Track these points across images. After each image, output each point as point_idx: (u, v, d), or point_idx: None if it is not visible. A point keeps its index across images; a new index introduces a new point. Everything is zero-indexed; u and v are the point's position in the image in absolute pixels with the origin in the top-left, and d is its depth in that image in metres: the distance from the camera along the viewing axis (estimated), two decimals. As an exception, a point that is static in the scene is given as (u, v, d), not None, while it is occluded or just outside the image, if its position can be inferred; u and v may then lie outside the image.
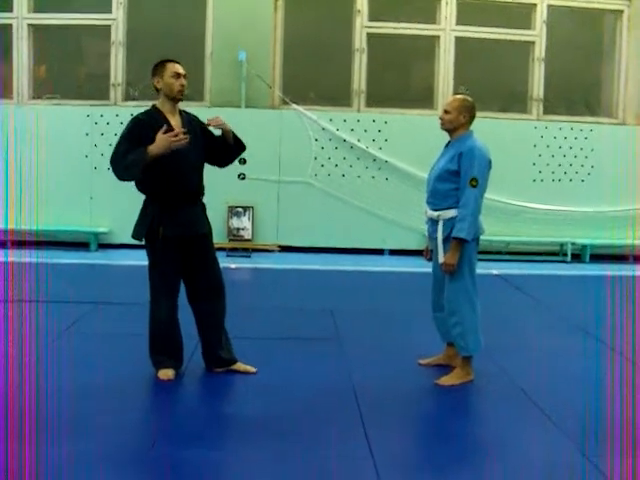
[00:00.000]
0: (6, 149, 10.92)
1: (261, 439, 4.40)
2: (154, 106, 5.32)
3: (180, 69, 5.21)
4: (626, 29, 11.91)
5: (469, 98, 5.58)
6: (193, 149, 5.23)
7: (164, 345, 5.42)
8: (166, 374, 5.34)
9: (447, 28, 11.63)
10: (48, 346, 6.03)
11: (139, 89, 11.54)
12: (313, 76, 12.06)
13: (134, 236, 5.38)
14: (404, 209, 11.13)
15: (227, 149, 5.51)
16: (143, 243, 5.37)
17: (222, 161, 5.63)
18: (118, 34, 11.35)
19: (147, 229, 5.28)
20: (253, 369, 5.59)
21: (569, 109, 12.14)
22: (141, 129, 5.15)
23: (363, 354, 6.16)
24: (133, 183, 5.31)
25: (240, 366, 5.59)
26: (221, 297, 5.52)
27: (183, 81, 5.20)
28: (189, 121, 5.36)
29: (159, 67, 5.22)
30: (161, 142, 4.99)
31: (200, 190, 5.42)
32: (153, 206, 5.27)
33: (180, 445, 4.25)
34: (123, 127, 5.28)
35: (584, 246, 11.58)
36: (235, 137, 5.51)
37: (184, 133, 5.05)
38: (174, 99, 5.23)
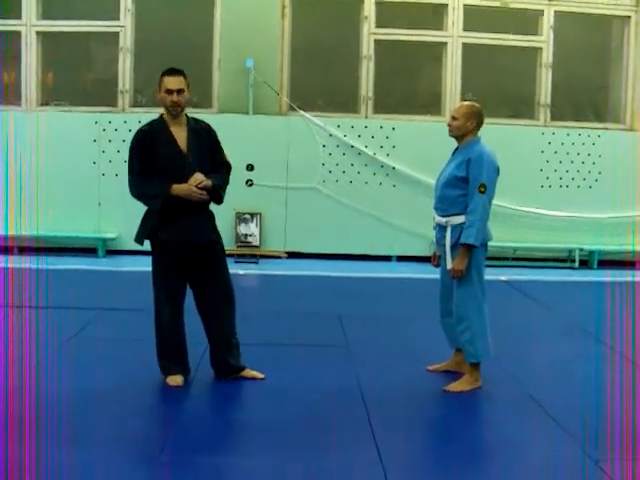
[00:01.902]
0: (14, 155, 10.94)
1: (270, 445, 4.40)
2: (161, 115, 5.35)
3: (173, 84, 5.14)
4: (633, 35, 11.89)
5: (476, 104, 5.60)
6: (196, 157, 5.23)
7: (167, 350, 5.44)
8: (175, 380, 5.35)
9: (454, 34, 11.62)
10: (55, 352, 6.05)
11: (147, 96, 11.56)
12: (321, 82, 12.06)
13: (135, 240, 5.40)
14: (412, 215, 11.10)
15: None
16: (149, 249, 5.38)
17: None
18: (126, 41, 11.37)
19: (147, 234, 5.30)
20: (261, 375, 5.61)
21: (576, 115, 12.12)
22: (145, 141, 5.21)
23: (371, 360, 6.17)
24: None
25: (248, 372, 5.60)
26: (230, 305, 5.50)
27: (175, 98, 5.13)
28: (195, 131, 5.33)
29: (159, 79, 5.21)
30: (186, 189, 5.11)
31: (200, 201, 5.32)
32: (156, 212, 5.28)
33: (189, 451, 4.26)
34: (131, 134, 5.31)
35: (592, 252, 11.55)
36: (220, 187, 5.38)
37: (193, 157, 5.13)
38: (170, 113, 5.24)
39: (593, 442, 4.52)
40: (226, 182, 5.45)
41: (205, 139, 5.37)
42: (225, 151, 5.53)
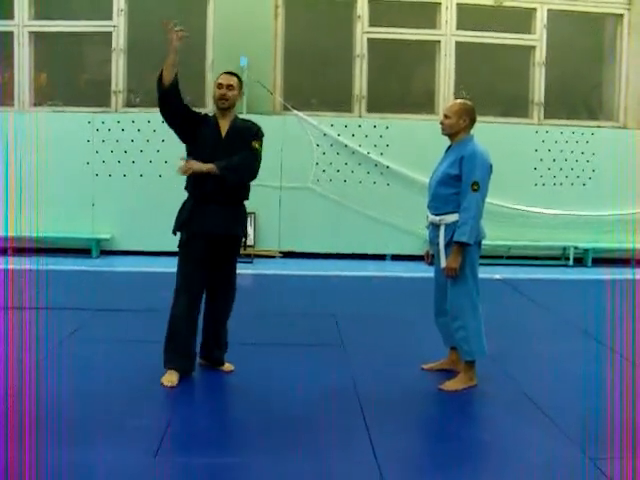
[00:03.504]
0: (7, 156, 10.92)
1: (265, 444, 4.40)
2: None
3: (224, 80, 5.49)
4: (626, 33, 11.91)
5: (469, 102, 5.60)
6: (231, 142, 5.44)
7: (173, 342, 5.48)
8: (169, 380, 5.35)
9: (448, 33, 11.63)
10: (50, 353, 6.03)
11: (140, 96, 11.54)
12: (314, 82, 12.07)
13: (173, 231, 5.58)
14: (406, 214, 11.11)
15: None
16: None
17: None
18: (119, 41, 11.36)
19: (181, 225, 5.49)
20: (231, 367, 5.75)
21: (570, 113, 12.14)
22: (201, 118, 5.51)
23: (366, 359, 6.16)
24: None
25: (226, 367, 5.76)
26: (229, 300, 5.73)
27: (223, 91, 5.46)
28: (238, 129, 5.53)
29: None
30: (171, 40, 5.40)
31: (233, 193, 5.50)
32: (189, 203, 5.49)
33: (184, 452, 4.25)
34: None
35: (586, 250, 11.57)
36: (225, 170, 5.39)
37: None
38: (218, 107, 5.51)
39: (590, 441, 4.52)
40: (237, 165, 5.40)
41: (246, 133, 5.53)
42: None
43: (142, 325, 6.96)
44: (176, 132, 5.50)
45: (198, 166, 5.29)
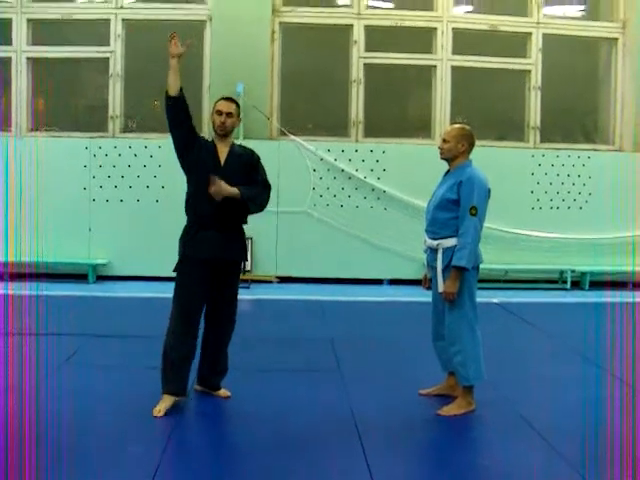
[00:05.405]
0: (5, 181, 10.93)
1: (262, 471, 4.37)
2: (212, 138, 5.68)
3: (223, 107, 5.49)
4: (621, 56, 11.99)
5: (467, 127, 5.61)
6: (230, 169, 5.44)
7: (165, 366, 5.44)
8: (157, 409, 5.27)
9: (444, 57, 11.69)
10: (47, 378, 5.99)
11: (137, 121, 11.57)
12: (311, 107, 12.11)
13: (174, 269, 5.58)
14: (403, 238, 11.12)
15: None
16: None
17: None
18: (116, 66, 11.41)
19: (180, 248, 5.49)
20: (228, 393, 5.71)
21: (566, 137, 12.18)
22: (200, 141, 5.51)
23: (364, 384, 6.14)
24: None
25: (222, 392, 5.72)
26: (233, 324, 5.72)
27: (222, 119, 5.48)
28: (238, 152, 5.58)
29: (214, 104, 5.58)
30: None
31: (230, 218, 5.48)
32: (188, 228, 5.49)
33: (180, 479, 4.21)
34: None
35: (583, 273, 11.57)
36: (250, 200, 5.52)
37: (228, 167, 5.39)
38: (216, 133, 5.52)
39: (590, 465, 4.49)
40: (258, 195, 5.58)
41: (245, 161, 5.59)
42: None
43: (139, 351, 6.93)
44: (177, 144, 5.48)
45: (227, 191, 5.29)
